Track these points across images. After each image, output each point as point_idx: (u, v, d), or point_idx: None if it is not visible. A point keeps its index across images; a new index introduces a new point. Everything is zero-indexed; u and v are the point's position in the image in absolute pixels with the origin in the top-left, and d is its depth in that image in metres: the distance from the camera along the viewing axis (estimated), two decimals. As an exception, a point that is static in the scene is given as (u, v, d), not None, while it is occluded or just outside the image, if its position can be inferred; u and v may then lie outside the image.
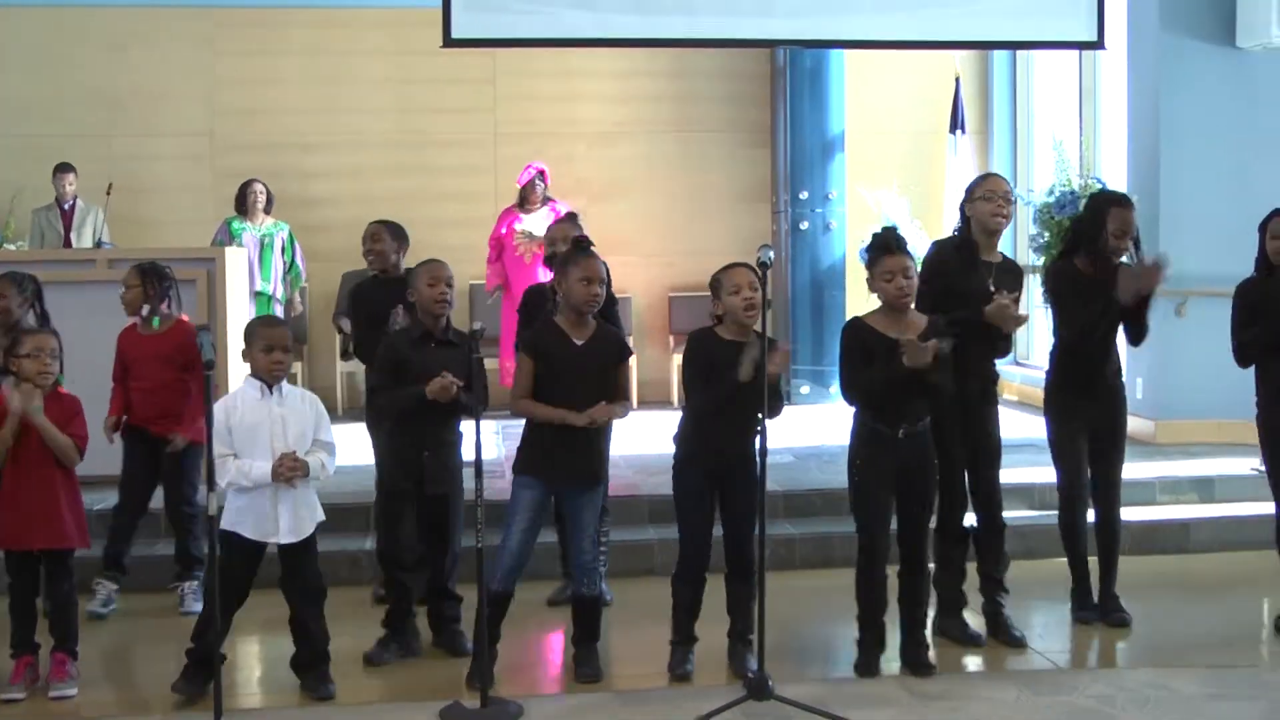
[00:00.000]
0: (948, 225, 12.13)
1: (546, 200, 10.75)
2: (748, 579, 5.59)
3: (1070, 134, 11.16)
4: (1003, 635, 6.07)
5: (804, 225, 11.75)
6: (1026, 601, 6.48)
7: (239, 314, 8.48)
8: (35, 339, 5.57)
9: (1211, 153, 9.41)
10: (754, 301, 5.39)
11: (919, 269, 5.67)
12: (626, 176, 12.49)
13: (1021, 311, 5.93)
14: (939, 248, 6.18)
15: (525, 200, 10.74)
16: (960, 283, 5.89)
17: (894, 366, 5.34)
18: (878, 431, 5.52)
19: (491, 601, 5.45)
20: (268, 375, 5.37)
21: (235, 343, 8.01)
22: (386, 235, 6.84)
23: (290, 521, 5.38)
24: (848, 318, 5.80)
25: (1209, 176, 9.33)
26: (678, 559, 5.69)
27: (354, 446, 7.18)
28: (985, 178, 6.13)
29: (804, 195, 11.76)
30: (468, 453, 5.90)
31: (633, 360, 11.73)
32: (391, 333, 6.14)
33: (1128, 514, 7.22)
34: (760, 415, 5.23)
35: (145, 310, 6.65)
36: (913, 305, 5.54)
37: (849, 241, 11.73)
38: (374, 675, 5.81)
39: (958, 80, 12.39)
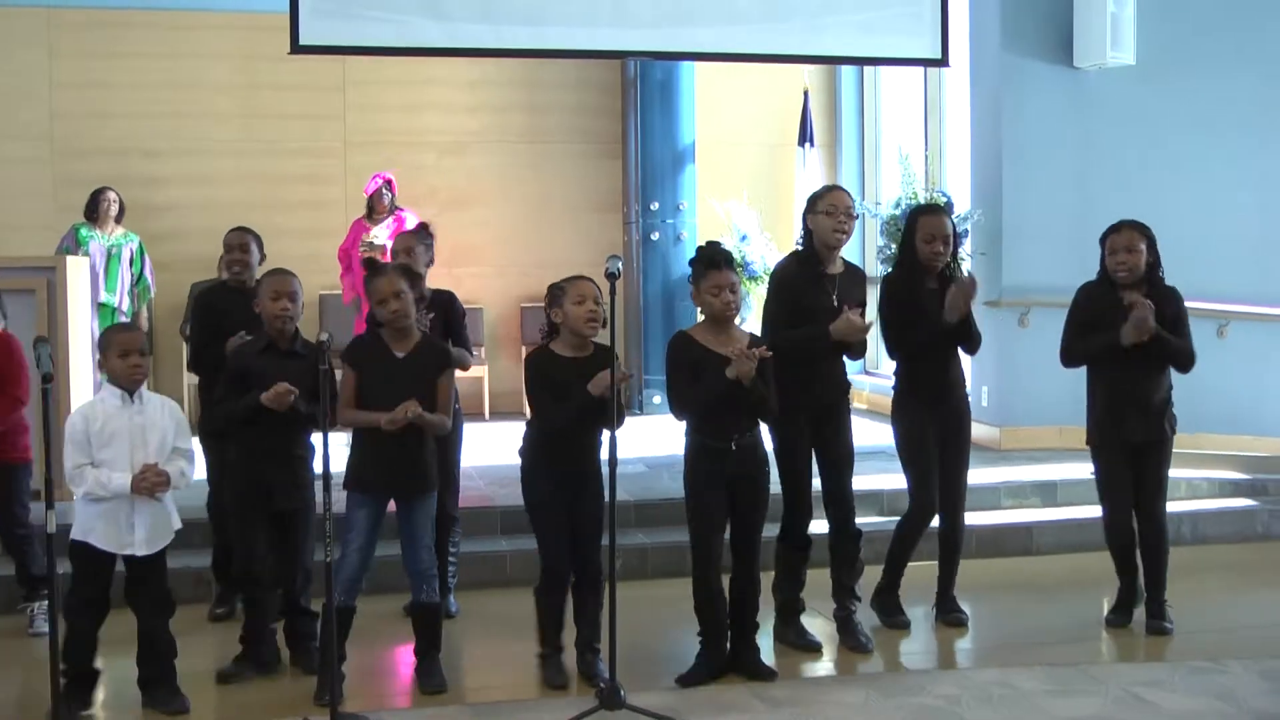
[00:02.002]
0: (797, 236, 12.34)
1: (394, 210, 10.65)
2: (597, 589, 5.62)
3: (916, 148, 11.39)
4: (851, 641, 6.14)
5: (655, 236, 11.82)
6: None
7: (81, 325, 8.24)
8: None
9: (1051, 167, 9.66)
10: (597, 315, 5.44)
11: (769, 285, 5.74)
12: (478, 186, 12.44)
13: (867, 319, 6.01)
14: (784, 265, 6.21)
15: (373, 210, 10.62)
16: (806, 297, 5.96)
17: (719, 380, 5.39)
18: (709, 446, 5.55)
19: (334, 617, 5.40)
20: (127, 381, 5.25)
21: (76, 355, 7.85)
22: (255, 246, 6.71)
23: (146, 533, 5.28)
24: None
25: (1049, 190, 9.59)
26: (540, 571, 5.66)
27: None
28: (829, 191, 6.15)
29: (655, 206, 11.83)
30: (319, 466, 5.87)
31: (484, 371, 11.69)
32: (238, 344, 6.02)
33: (973, 518, 7.38)
34: (604, 427, 5.34)
35: None
36: (737, 319, 5.64)
37: (700, 252, 11.80)
38: (225, 692, 5.70)
39: (806, 94, 12.58)
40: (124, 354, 5.24)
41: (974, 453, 6.50)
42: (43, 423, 4.71)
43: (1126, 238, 6.20)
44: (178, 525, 5.44)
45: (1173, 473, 6.48)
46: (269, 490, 5.72)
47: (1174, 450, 6.39)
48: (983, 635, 6.41)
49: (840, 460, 6.12)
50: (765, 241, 11.86)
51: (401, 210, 10.56)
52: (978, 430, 9.71)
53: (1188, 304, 6.31)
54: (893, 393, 6.44)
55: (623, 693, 5.12)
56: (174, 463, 5.31)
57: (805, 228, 6.13)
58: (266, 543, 5.82)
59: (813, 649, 6.08)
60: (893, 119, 12.72)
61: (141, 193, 11.48)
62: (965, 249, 9.91)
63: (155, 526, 5.31)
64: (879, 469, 7.94)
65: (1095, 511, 6.59)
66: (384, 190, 10.55)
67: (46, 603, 6.46)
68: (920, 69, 11.39)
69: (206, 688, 5.68)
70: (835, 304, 5.95)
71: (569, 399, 5.42)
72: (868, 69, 12.73)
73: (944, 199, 10.00)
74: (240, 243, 6.69)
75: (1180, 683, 5.60)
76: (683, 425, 5.64)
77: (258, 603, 5.84)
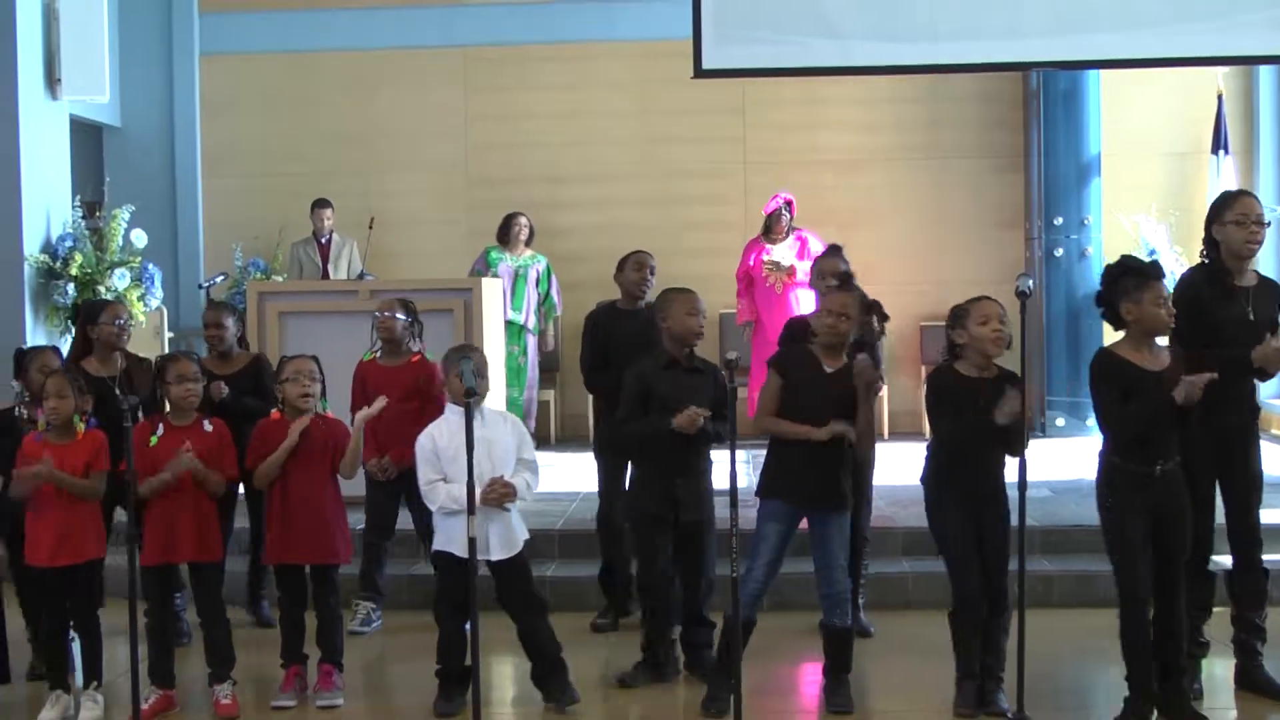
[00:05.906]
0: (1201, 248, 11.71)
1: (792, 230, 10.69)
2: (1003, 616, 5.47)
3: (1344, 152, 10.64)
4: (1263, 687, 5.65)
5: (1058, 252, 11.42)
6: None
7: (495, 343, 8.67)
8: (295, 363, 5.82)
9: None
10: (1003, 335, 5.33)
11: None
12: (874, 204, 12.34)
13: None
14: (1189, 278, 5.78)
15: (770, 230, 10.68)
16: (1215, 313, 5.54)
17: (1156, 402, 5.11)
18: (1130, 471, 5.24)
19: (732, 629, 5.43)
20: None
21: (491, 370, 8.22)
22: (655, 268, 6.92)
23: (500, 540, 5.57)
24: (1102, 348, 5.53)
25: None
26: (953, 596, 5.51)
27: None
28: (1237, 197, 5.69)
29: (1058, 221, 11.44)
30: (718, 480, 5.92)
31: (884, 392, 11.60)
32: (639, 362, 6.14)
33: None
34: (1009, 452, 5.31)
35: (415, 345, 6.92)
36: None
37: (1105, 268, 11.37)
38: (615, 698, 5.88)
39: (1220, 98, 11.90)
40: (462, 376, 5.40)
41: None
42: (466, 436, 4.92)
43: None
44: (525, 536, 5.71)
45: None
46: (676, 504, 5.83)
47: None
48: None
49: (1247, 489, 5.67)
50: (1175, 257, 11.29)
51: (801, 230, 10.60)
52: None
53: None
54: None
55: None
56: (519, 474, 5.61)
57: (1210, 238, 5.69)
58: (668, 554, 5.94)
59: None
60: (1317, 122, 11.92)
61: (546, 217, 11.92)
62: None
63: (506, 533, 5.60)
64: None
65: None
66: (784, 210, 10.60)
67: (373, 605, 6.91)
68: (1350, 67, 10.67)
69: (591, 694, 5.86)
70: (1250, 319, 5.54)
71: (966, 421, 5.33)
72: (1288, 69, 11.99)
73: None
74: (651, 265, 6.89)
75: None
76: (1095, 449, 5.38)
77: (657, 612, 5.97)
